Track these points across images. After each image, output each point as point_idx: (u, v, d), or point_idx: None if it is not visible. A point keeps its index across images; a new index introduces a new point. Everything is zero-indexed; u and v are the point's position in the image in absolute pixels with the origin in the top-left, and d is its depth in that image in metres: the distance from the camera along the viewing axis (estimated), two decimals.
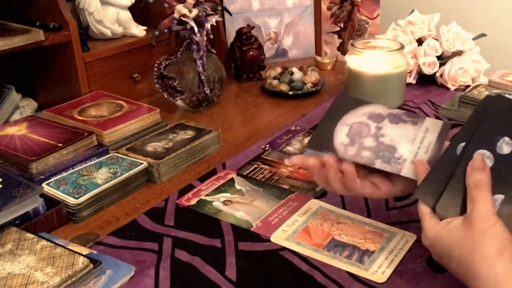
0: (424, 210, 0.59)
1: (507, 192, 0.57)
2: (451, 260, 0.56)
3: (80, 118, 0.97)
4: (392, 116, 0.71)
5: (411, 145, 0.66)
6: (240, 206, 0.79)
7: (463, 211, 0.57)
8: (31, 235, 0.67)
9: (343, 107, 0.72)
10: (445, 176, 0.59)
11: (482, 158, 0.57)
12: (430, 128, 0.68)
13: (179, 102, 1.12)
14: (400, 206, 0.78)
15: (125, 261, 0.67)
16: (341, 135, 0.69)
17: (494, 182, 0.56)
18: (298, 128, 1.05)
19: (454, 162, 0.59)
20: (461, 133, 0.61)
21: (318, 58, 1.43)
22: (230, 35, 1.36)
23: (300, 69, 1.28)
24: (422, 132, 0.68)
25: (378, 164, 0.65)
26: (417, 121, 0.69)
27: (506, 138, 0.58)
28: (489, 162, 0.57)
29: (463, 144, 0.59)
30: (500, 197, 0.57)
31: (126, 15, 1.19)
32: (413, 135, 0.68)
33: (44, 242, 0.66)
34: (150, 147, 0.92)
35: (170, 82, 1.08)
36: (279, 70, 1.29)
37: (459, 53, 1.22)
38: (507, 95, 1.08)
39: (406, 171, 0.64)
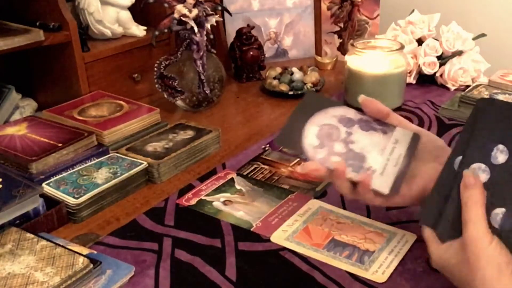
0: (427, 234, 0.58)
1: (508, 205, 0.54)
2: (457, 283, 0.55)
3: (80, 118, 0.97)
4: (363, 122, 0.69)
5: (380, 156, 0.66)
6: (240, 206, 0.79)
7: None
8: (31, 235, 0.67)
9: (313, 105, 0.70)
10: (444, 195, 0.57)
11: (471, 174, 0.55)
12: (400, 139, 0.67)
13: (179, 102, 1.12)
14: (400, 206, 0.78)
15: (125, 261, 0.67)
16: (310, 135, 0.68)
17: (493, 196, 0.54)
18: None
19: (452, 178, 0.57)
20: (457, 145, 0.59)
21: (318, 58, 1.43)
22: (230, 35, 1.36)
23: (300, 69, 1.28)
24: (392, 143, 0.67)
25: (348, 173, 0.65)
26: (387, 131, 0.68)
27: (500, 146, 0.56)
28: (485, 176, 0.55)
29: (460, 157, 0.57)
30: (501, 210, 0.54)
31: (126, 15, 1.19)
32: (383, 145, 0.67)
33: (44, 242, 0.66)
34: (150, 147, 0.92)
35: (170, 82, 1.08)
36: (279, 70, 1.29)
37: (459, 53, 1.22)
38: (499, 96, 1.08)
39: (375, 184, 0.65)
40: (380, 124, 0.69)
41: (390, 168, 0.65)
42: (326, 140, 0.68)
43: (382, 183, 0.65)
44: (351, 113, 0.70)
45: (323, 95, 0.71)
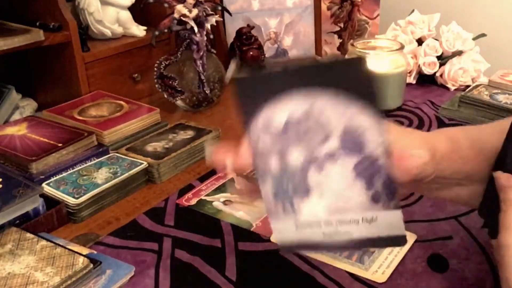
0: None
1: None
2: None
3: (80, 118, 0.97)
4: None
5: None
6: (240, 206, 0.79)
7: None
8: (31, 235, 0.67)
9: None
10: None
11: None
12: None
13: (179, 102, 1.12)
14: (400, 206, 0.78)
15: (125, 261, 0.67)
16: None
17: None
18: None
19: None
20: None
21: (318, 58, 1.43)
22: (230, 35, 1.36)
23: None
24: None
25: None
26: None
27: None
28: None
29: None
30: None
31: (126, 15, 1.19)
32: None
33: (44, 242, 0.66)
34: (150, 147, 0.92)
35: (170, 82, 1.08)
36: None
37: (459, 53, 1.22)
38: (499, 96, 1.07)
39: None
40: None
41: None
42: None
43: None
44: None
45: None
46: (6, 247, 0.65)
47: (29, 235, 0.67)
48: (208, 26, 1.09)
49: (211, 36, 1.12)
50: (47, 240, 0.66)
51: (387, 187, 0.41)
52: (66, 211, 0.76)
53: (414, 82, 1.25)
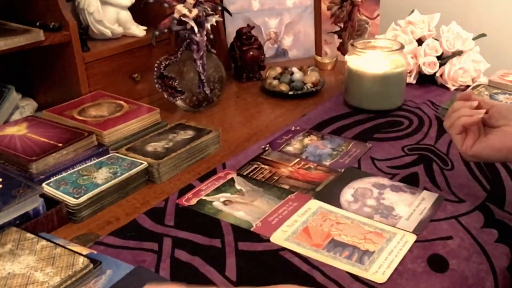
0: None
1: None
2: None
3: (80, 118, 0.97)
4: (394, 186, 0.83)
5: (407, 207, 0.77)
6: (240, 206, 0.79)
7: None
8: (31, 235, 0.67)
9: (350, 176, 0.85)
10: None
11: None
12: (426, 198, 0.79)
13: (179, 102, 1.12)
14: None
15: (125, 261, 0.67)
16: (347, 195, 0.81)
17: None
18: (298, 128, 1.05)
19: None
20: None
21: (318, 58, 1.43)
22: (230, 35, 1.36)
23: (300, 69, 1.28)
24: (419, 200, 0.79)
25: (377, 218, 0.75)
26: (415, 192, 0.81)
27: None
28: None
29: None
30: None
31: (126, 15, 1.19)
32: (410, 201, 0.79)
33: (44, 242, 0.66)
34: (150, 147, 0.92)
35: (170, 82, 1.08)
36: (279, 70, 1.29)
37: (459, 53, 1.22)
38: (499, 96, 1.08)
39: (400, 225, 0.73)
40: (409, 187, 0.82)
41: (415, 215, 0.75)
42: (360, 197, 0.80)
43: (407, 225, 0.73)
44: (384, 180, 0.84)
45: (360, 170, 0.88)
46: (6, 247, 0.65)
47: (29, 235, 0.67)
48: (208, 26, 1.09)
49: (211, 36, 1.12)
50: (47, 240, 0.66)
51: None
52: (66, 211, 0.76)
53: (414, 82, 1.25)
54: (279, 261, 0.67)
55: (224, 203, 0.80)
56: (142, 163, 0.85)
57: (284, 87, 1.22)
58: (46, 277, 0.60)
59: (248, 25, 1.32)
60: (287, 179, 0.86)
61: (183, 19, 1.05)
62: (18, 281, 0.59)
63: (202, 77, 1.09)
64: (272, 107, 1.18)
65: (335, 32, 1.46)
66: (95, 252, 0.67)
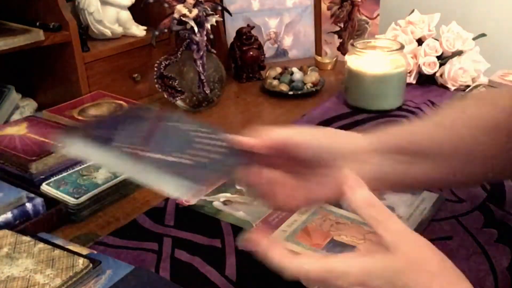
0: None
1: None
2: None
3: (80, 118, 0.97)
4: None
5: (408, 208, 0.78)
6: (240, 206, 0.79)
7: None
8: (27, 238, 0.66)
9: None
10: None
11: None
12: (427, 198, 0.79)
13: (179, 102, 1.12)
14: None
15: (125, 261, 0.66)
16: None
17: None
18: None
19: None
20: None
21: (318, 58, 1.43)
22: (230, 35, 1.36)
23: (300, 69, 1.28)
24: (419, 200, 0.79)
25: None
26: (415, 192, 0.81)
27: None
28: None
29: None
30: None
31: (126, 15, 1.19)
32: (411, 201, 0.79)
33: (41, 245, 0.65)
34: None
35: (170, 82, 1.07)
36: (279, 70, 1.29)
37: (459, 53, 1.22)
38: None
39: None
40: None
41: (416, 216, 0.76)
42: None
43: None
44: None
45: None
46: (2, 250, 0.64)
47: (25, 238, 0.66)
48: (208, 26, 1.09)
49: (211, 36, 1.12)
50: (45, 242, 0.66)
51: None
52: (66, 211, 0.76)
53: (414, 82, 1.25)
54: None
55: (224, 203, 0.80)
56: None
57: (284, 87, 1.21)
58: (47, 279, 0.60)
59: (248, 25, 1.32)
60: None
61: (183, 19, 1.05)
62: (18, 284, 0.59)
63: (202, 77, 1.09)
64: (272, 107, 1.18)
65: (335, 32, 1.46)
66: (95, 252, 0.67)
